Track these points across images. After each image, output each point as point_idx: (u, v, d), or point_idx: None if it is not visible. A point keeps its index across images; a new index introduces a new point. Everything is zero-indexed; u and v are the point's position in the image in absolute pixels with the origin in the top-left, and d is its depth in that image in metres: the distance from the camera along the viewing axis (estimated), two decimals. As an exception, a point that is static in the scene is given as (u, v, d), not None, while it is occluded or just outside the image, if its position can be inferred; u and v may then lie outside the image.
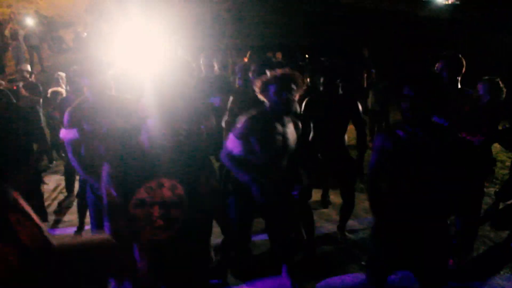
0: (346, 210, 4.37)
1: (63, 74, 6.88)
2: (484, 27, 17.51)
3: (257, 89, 3.15)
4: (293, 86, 3.06)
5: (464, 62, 3.55)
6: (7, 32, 13.13)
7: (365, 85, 9.56)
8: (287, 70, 3.12)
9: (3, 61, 13.68)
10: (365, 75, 10.07)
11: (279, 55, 14.14)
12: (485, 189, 5.04)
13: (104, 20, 14.97)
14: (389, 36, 17.01)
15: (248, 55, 14.49)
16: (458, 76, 3.54)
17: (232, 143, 3.07)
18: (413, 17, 19.91)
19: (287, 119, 3.17)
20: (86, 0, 18.77)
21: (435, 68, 3.56)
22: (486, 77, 3.81)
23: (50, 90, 6.18)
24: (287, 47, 15.88)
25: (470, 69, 3.71)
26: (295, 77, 3.08)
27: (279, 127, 3.09)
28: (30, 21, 13.70)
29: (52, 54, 14.52)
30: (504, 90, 3.80)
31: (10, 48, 13.20)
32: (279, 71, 3.10)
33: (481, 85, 3.79)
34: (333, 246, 4.38)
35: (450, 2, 25.56)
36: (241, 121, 3.09)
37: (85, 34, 14.71)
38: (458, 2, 25.26)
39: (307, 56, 15.53)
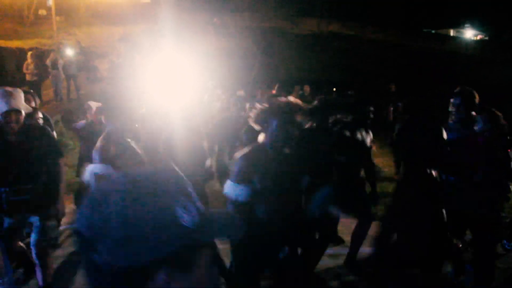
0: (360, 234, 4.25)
1: (93, 104, 6.85)
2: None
3: (252, 120, 2.88)
4: (297, 119, 2.80)
5: (477, 96, 3.66)
6: (48, 62, 13.81)
7: (390, 118, 9.70)
8: (291, 99, 2.85)
9: (41, 89, 14.33)
10: (391, 109, 10.23)
11: (307, 88, 14.42)
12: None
13: (136, 51, 15.58)
14: (415, 71, 17.16)
15: (276, 88, 14.82)
16: (473, 110, 3.66)
17: (233, 190, 2.69)
18: (439, 53, 20.05)
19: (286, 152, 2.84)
20: (120, 31, 19.60)
21: (452, 102, 3.69)
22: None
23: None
24: (315, 81, 16.18)
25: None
26: (300, 108, 2.81)
27: (280, 163, 2.77)
28: (69, 51, 14.39)
29: (88, 83, 15.15)
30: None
31: (50, 77, 13.87)
32: (282, 101, 2.81)
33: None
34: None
35: (478, 38, 25.62)
36: (236, 162, 2.76)
37: (119, 62, 15.33)
38: (486, 38, 25.30)
39: (334, 89, 15.77)
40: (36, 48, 16.23)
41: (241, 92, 11.54)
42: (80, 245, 0.84)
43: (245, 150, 2.78)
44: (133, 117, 3.74)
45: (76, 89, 14.24)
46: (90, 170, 3.36)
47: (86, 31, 20.42)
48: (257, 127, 2.87)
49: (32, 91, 5.83)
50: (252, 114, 2.86)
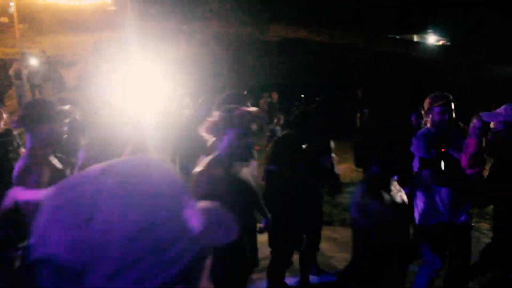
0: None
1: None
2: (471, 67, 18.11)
3: (206, 131, 2.75)
4: (255, 128, 2.70)
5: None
6: (11, 72, 13.49)
7: (357, 124, 9.87)
8: (249, 108, 2.73)
9: (4, 99, 13.99)
10: (359, 115, 10.39)
11: (275, 95, 14.53)
12: (475, 224, 5.28)
13: (105, 60, 15.38)
14: (382, 76, 17.47)
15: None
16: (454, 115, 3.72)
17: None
18: (406, 58, 20.48)
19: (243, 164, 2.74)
20: (86, 39, 19.30)
21: (435, 111, 3.61)
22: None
23: None
24: (283, 87, 16.30)
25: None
26: (258, 116, 2.73)
27: (241, 176, 2.69)
28: (33, 61, 14.10)
29: (54, 93, 14.86)
30: None
31: (13, 87, 13.56)
32: (241, 110, 2.64)
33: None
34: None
35: (441, 43, 26.32)
36: (196, 180, 2.58)
37: (87, 71, 15.11)
38: (448, 43, 26.01)
39: (302, 96, 15.94)
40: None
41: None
42: (54, 282, 0.59)
43: (202, 166, 2.60)
44: (62, 127, 3.11)
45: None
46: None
47: (51, 40, 20.01)
48: (208, 137, 2.77)
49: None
50: (208, 125, 2.68)
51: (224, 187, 2.50)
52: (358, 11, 23.40)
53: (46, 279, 0.59)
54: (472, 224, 5.87)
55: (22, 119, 3.12)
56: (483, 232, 5.49)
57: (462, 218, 3.69)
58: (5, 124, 5.00)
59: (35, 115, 3.01)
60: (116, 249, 0.59)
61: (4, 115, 5.14)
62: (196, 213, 0.71)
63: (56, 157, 3.16)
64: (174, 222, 0.65)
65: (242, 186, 2.67)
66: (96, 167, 0.69)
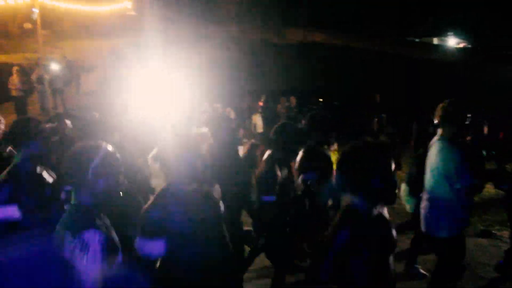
0: None
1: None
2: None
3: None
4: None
5: None
6: (33, 77, 13.76)
7: (375, 129, 9.80)
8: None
9: (27, 104, 14.26)
10: (376, 119, 10.31)
11: (293, 99, 14.52)
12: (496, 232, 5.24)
13: (124, 65, 15.58)
14: (400, 80, 17.34)
15: (263, 99, 14.92)
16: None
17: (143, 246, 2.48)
18: (425, 61, 20.29)
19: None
20: (106, 44, 19.59)
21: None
22: None
23: None
24: (302, 92, 16.30)
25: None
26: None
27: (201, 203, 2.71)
28: (54, 66, 14.34)
29: (74, 97, 15.12)
30: None
31: (35, 92, 13.83)
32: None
33: None
34: None
35: (461, 46, 26.01)
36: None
37: (106, 76, 15.34)
38: (469, 46, 25.69)
39: (320, 100, 15.91)
40: (21, 63, 16.14)
41: (217, 106, 11.60)
42: None
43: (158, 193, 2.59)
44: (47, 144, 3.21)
45: (62, 103, 14.19)
46: None
47: (72, 45, 20.36)
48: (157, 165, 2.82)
49: None
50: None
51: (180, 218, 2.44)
52: (377, 15, 23.28)
53: None
54: (494, 232, 5.78)
55: (9, 137, 3.41)
56: (505, 240, 5.39)
57: None
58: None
59: (20, 133, 3.16)
60: None
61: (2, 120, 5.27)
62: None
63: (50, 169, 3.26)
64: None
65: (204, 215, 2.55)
66: None
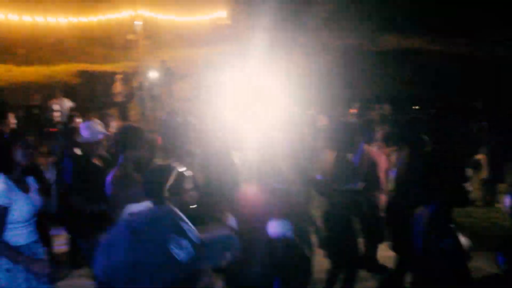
0: None
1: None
2: None
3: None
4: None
5: None
6: (134, 83, 14.63)
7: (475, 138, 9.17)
8: None
9: (128, 109, 15.17)
10: (477, 128, 9.66)
11: (387, 107, 14.03)
12: None
13: (218, 72, 16.02)
14: (505, 86, 16.15)
15: (355, 106, 14.57)
16: None
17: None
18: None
19: None
20: (202, 53, 20.29)
21: None
22: None
23: None
24: (396, 99, 15.72)
25: None
26: None
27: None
28: (154, 73, 15.11)
29: (172, 102, 15.79)
30: None
31: (135, 98, 14.69)
32: None
33: None
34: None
35: None
36: None
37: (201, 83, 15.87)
38: None
39: (416, 107, 15.24)
40: (124, 71, 17.19)
41: (310, 113, 11.48)
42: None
43: None
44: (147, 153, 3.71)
45: (160, 109, 14.91)
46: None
47: (170, 54, 21.34)
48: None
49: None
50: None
51: None
52: (476, 18, 21.92)
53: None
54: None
55: (115, 143, 3.81)
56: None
57: None
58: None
59: (124, 141, 3.57)
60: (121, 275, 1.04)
61: (112, 123, 5.78)
62: (183, 245, 1.14)
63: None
64: (161, 255, 1.02)
65: None
66: None
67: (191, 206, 2.51)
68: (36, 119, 12.06)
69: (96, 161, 4.41)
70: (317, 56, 18.68)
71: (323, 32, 21.70)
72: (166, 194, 2.35)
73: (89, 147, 4.39)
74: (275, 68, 14.79)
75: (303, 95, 13.65)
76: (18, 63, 19.53)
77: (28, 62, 20.19)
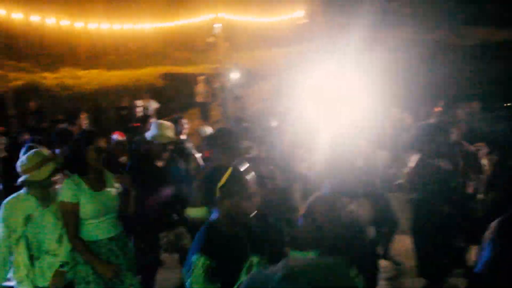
0: None
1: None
2: None
3: None
4: None
5: None
6: (216, 85, 15.00)
7: None
8: None
9: (210, 110, 15.56)
10: None
11: (475, 105, 13.27)
12: None
13: (298, 72, 15.98)
14: None
15: (440, 104, 13.91)
16: None
17: None
18: None
19: None
20: (280, 53, 20.36)
21: None
22: None
23: None
24: (484, 96, 14.83)
25: None
26: None
27: None
28: (234, 74, 15.39)
29: (252, 103, 16.00)
30: None
31: (218, 99, 15.05)
32: None
33: None
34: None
35: None
36: None
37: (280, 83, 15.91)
38: None
39: (508, 104, 14.31)
40: (205, 73, 17.67)
41: (394, 111, 11.05)
42: None
43: None
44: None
45: (241, 109, 15.14)
46: None
47: (249, 55, 21.64)
48: None
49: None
50: None
51: None
52: None
53: None
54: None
55: (208, 145, 3.78)
56: None
57: None
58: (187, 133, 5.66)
59: (218, 143, 3.56)
60: None
61: (185, 125, 5.82)
62: None
63: None
64: None
65: None
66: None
67: (251, 214, 2.25)
68: (125, 119, 12.73)
69: (159, 163, 4.35)
70: (401, 52, 18.07)
71: (407, 27, 20.96)
72: (219, 194, 2.20)
73: (155, 148, 4.35)
74: (357, 66, 14.49)
75: (387, 93, 13.26)
76: (109, 68, 20.75)
77: (117, 66, 21.38)
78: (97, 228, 3.37)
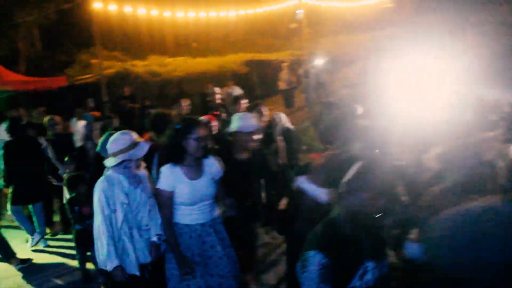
0: None
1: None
2: None
3: None
4: None
5: None
6: (300, 71, 14.87)
7: None
8: None
9: (294, 96, 15.47)
10: None
11: None
12: None
13: (383, 57, 15.44)
14: None
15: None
16: None
17: None
18: None
19: None
20: (365, 38, 19.79)
21: None
22: None
23: None
24: None
25: None
26: None
27: None
28: (319, 61, 15.16)
29: (337, 89, 15.70)
30: None
31: (301, 85, 14.93)
32: None
33: None
34: None
35: None
36: None
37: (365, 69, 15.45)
38: None
39: None
40: (289, 59, 17.59)
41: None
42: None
43: None
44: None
45: (325, 96, 14.92)
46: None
47: (333, 40, 21.28)
48: None
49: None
50: None
51: None
52: None
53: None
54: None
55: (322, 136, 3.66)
56: None
57: None
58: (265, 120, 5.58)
59: (333, 134, 3.41)
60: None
61: (265, 112, 5.68)
62: None
63: None
64: None
65: None
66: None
67: (376, 215, 2.04)
68: (209, 106, 12.97)
69: (243, 154, 4.17)
70: (497, 35, 16.86)
71: (503, 8, 19.51)
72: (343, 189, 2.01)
73: (240, 137, 4.12)
74: (447, 51, 13.71)
75: (481, 79, 12.43)
76: (194, 55, 21.33)
77: (201, 54, 21.94)
78: (191, 214, 3.40)
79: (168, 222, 3.37)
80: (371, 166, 1.99)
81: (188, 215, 3.39)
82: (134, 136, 3.51)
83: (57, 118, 7.13)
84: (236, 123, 4.15)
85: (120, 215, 3.32)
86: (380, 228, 2.22)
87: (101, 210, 3.28)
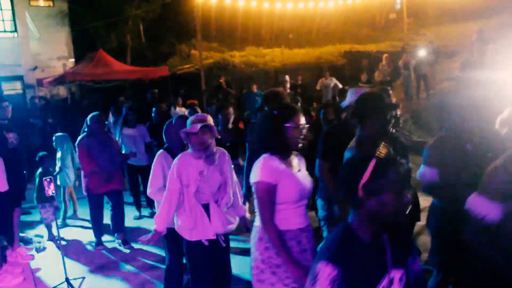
0: None
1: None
2: None
3: None
4: None
5: None
6: (400, 63, 14.43)
7: None
8: None
9: (392, 89, 15.06)
10: None
11: None
12: None
13: (491, 48, 14.50)
14: None
15: None
16: None
17: None
18: None
19: None
20: (471, 28, 18.62)
21: None
22: None
23: None
24: None
25: None
26: None
27: None
28: (420, 52, 14.59)
29: (438, 82, 15.06)
30: None
31: (401, 77, 14.49)
32: None
33: None
34: None
35: None
36: None
37: (471, 60, 14.62)
38: None
39: None
40: (388, 51, 17.15)
41: None
42: None
43: None
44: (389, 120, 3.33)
45: (426, 89, 14.38)
46: None
47: (435, 31, 20.34)
48: None
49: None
50: None
51: None
52: None
53: None
54: None
55: (354, 113, 3.47)
56: None
57: None
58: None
59: (365, 109, 3.34)
60: None
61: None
62: None
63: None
64: None
65: None
66: None
67: (401, 213, 1.82)
68: (300, 96, 12.98)
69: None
70: None
71: None
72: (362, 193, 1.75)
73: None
74: None
75: None
76: (290, 46, 21.47)
77: (298, 45, 22.03)
78: (291, 215, 2.90)
79: (271, 225, 2.83)
80: (388, 163, 1.79)
81: (287, 216, 2.89)
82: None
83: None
84: (350, 98, 4.23)
85: (193, 189, 3.66)
86: (407, 229, 2.02)
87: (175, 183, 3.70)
